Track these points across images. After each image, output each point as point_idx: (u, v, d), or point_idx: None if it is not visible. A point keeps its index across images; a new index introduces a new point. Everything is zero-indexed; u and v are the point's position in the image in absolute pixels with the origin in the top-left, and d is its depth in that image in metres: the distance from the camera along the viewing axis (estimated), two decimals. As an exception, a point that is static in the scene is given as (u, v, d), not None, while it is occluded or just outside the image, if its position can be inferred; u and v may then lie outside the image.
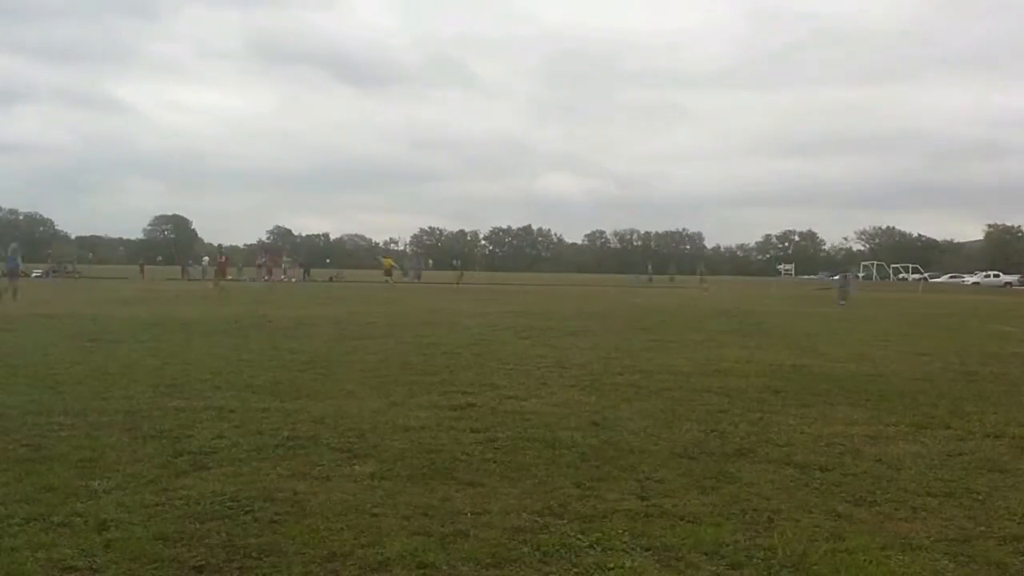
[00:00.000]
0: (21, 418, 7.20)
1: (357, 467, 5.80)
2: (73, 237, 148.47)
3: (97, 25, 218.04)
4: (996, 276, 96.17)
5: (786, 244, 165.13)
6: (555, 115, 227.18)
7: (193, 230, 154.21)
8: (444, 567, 4.04)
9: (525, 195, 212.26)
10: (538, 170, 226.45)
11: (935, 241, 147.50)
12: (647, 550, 4.27)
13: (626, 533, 4.49)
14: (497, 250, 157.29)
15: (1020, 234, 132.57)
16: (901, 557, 4.21)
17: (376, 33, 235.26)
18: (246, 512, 4.75)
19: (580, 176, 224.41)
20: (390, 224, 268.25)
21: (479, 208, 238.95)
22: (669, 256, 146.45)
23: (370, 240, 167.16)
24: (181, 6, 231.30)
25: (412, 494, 5.16)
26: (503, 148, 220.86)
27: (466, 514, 4.78)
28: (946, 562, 4.16)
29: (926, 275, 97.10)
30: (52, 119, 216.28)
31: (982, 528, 4.68)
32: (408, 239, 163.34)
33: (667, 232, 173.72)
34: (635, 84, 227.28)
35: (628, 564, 4.06)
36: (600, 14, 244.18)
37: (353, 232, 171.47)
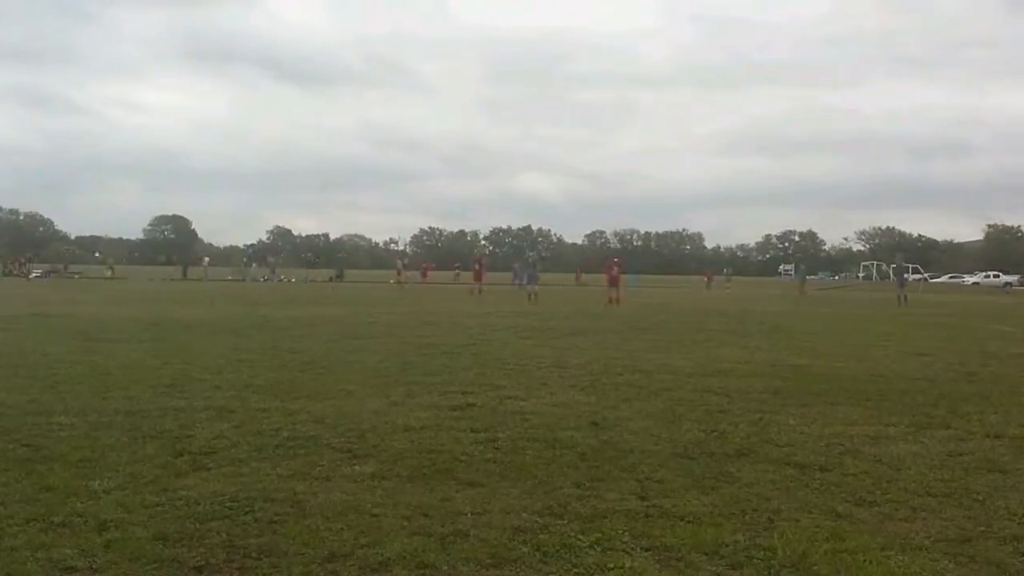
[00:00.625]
0: (21, 418, 7.20)
1: (357, 467, 5.80)
2: (73, 237, 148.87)
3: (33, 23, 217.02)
4: (996, 276, 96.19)
5: (786, 244, 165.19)
6: (508, 115, 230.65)
7: (193, 230, 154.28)
8: (444, 567, 4.04)
9: (502, 195, 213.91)
10: (509, 170, 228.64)
11: (935, 241, 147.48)
12: (647, 550, 4.27)
13: (626, 533, 4.49)
14: (498, 250, 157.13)
15: (1020, 234, 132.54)
16: (901, 557, 4.21)
17: (308, 33, 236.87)
18: (246, 512, 4.75)
19: (555, 175, 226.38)
20: (359, 222, 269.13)
21: (460, 208, 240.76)
22: (671, 257, 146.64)
23: (370, 240, 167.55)
24: (107, 6, 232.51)
25: (412, 494, 5.16)
26: (467, 148, 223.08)
27: (466, 514, 4.78)
28: (946, 562, 4.16)
29: (926, 275, 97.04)
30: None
31: (982, 528, 4.68)
32: (408, 239, 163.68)
33: (667, 232, 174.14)
34: (584, 84, 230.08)
35: (628, 564, 4.06)
36: (536, 16, 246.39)
37: (345, 232, 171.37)
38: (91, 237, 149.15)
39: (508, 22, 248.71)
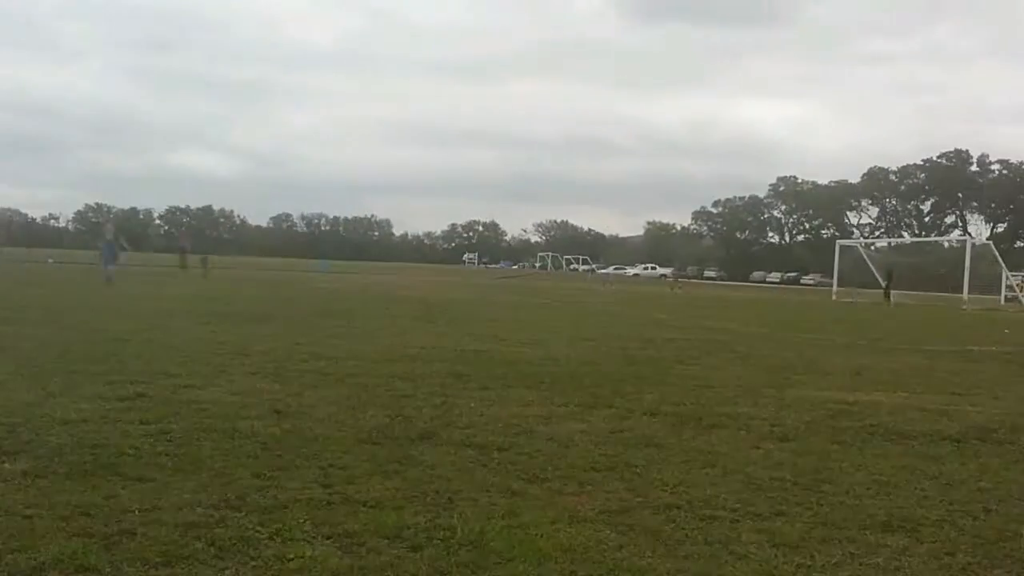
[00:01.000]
0: None
1: (7, 465, 5.21)
2: None
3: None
4: (653, 268, 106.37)
5: (471, 234, 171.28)
6: (165, 87, 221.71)
7: None
8: (107, 569, 3.73)
9: (162, 171, 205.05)
10: (165, 145, 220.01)
11: (603, 235, 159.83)
12: (328, 538, 4.21)
13: (307, 522, 4.40)
14: (173, 231, 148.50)
15: (674, 231, 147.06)
16: (569, 530, 4.47)
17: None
18: None
19: (222, 154, 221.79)
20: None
21: (122, 183, 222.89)
22: (359, 243, 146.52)
23: (26, 215, 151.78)
24: None
25: (71, 493, 4.72)
26: (112, 119, 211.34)
27: (133, 511, 4.44)
28: (608, 532, 4.48)
29: (594, 266, 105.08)
30: None
31: (639, 499, 5.09)
32: (71, 216, 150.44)
33: (356, 218, 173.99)
34: (241, 61, 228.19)
35: (309, 553, 3.98)
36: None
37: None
38: None
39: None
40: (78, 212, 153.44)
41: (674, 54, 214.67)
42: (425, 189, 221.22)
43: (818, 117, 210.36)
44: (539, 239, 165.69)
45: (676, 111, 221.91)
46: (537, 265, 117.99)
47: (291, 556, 3.95)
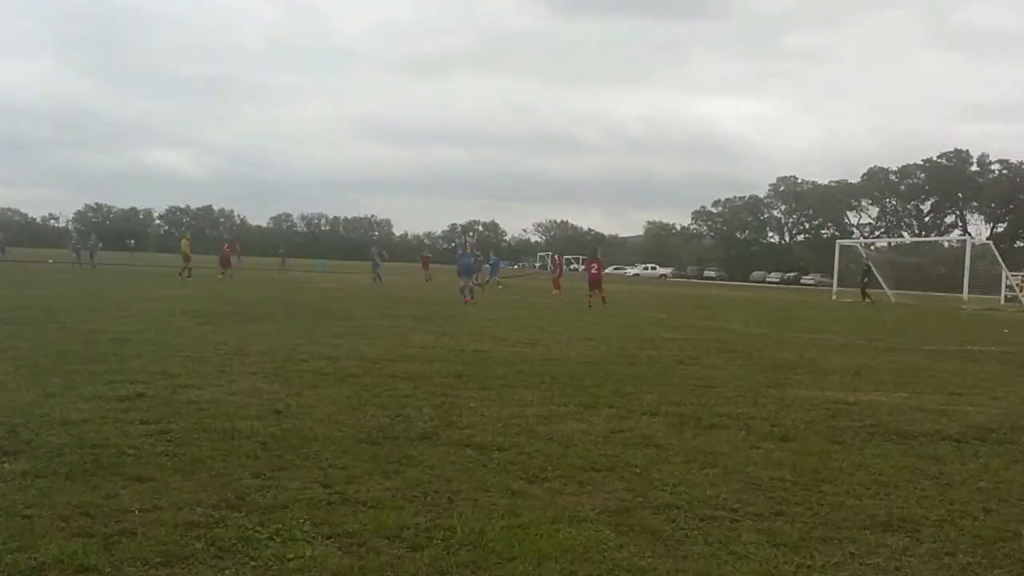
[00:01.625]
0: None
1: (7, 465, 5.22)
2: None
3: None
4: (653, 268, 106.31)
5: (471, 234, 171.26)
6: (107, 81, 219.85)
7: None
8: (108, 569, 3.73)
9: (132, 168, 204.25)
10: (142, 144, 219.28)
11: (603, 235, 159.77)
12: (328, 538, 4.21)
13: (307, 522, 4.40)
14: (174, 230, 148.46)
15: (674, 231, 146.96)
16: (569, 530, 4.47)
17: None
18: None
19: (190, 151, 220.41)
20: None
21: (87, 182, 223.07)
22: (360, 242, 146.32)
23: (26, 215, 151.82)
24: None
25: (72, 493, 4.72)
26: (63, 114, 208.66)
27: (134, 511, 4.45)
28: (608, 532, 4.48)
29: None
30: None
31: (640, 499, 5.09)
32: (71, 215, 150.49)
33: (356, 218, 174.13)
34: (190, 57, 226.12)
35: (309, 553, 3.98)
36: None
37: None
38: None
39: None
40: (78, 212, 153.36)
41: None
42: (399, 188, 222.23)
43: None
44: (539, 239, 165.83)
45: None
46: (537, 265, 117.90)
47: (291, 556, 3.95)
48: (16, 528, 4.14)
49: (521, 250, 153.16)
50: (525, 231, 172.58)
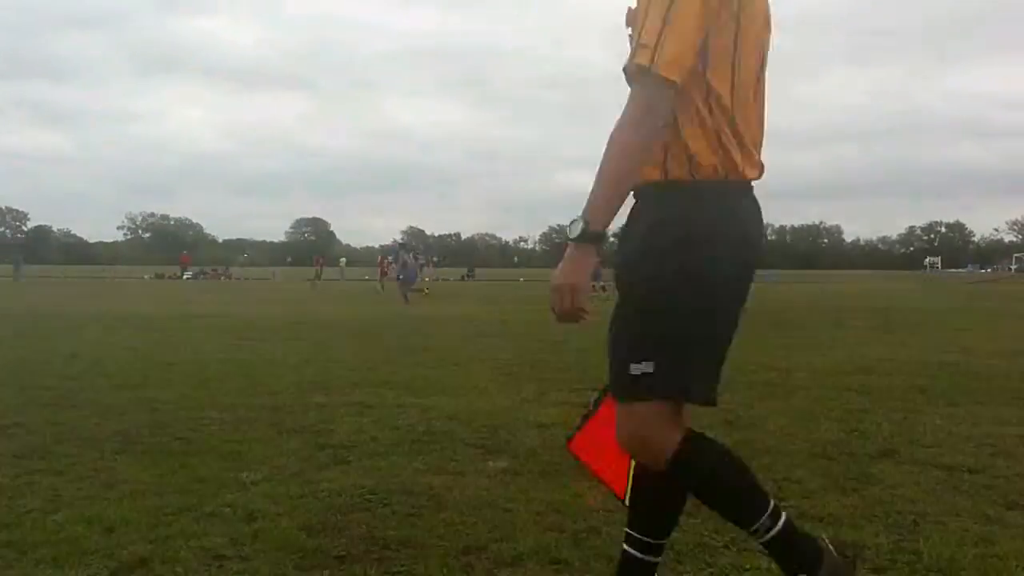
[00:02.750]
0: (174, 413, 7.61)
1: (491, 463, 5.87)
2: (220, 240, 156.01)
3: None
4: None
5: (932, 236, 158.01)
6: None
7: (331, 232, 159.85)
8: (577, 563, 4.05)
9: None
10: None
11: None
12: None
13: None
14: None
15: None
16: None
17: None
18: (384, 505, 4.88)
19: None
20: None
21: None
22: (807, 252, 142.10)
23: (500, 239, 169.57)
24: None
25: (544, 490, 5.19)
26: None
27: (597, 511, 4.76)
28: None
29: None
30: None
31: None
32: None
33: (803, 226, 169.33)
34: None
35: (765, 566, 3.97)
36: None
37: (484, 231, 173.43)
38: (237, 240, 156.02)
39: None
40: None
41: None
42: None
43: None
44: (1014, 238, 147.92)
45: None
46: (1013, 267, 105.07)
47: (747, 566, 3.97)
48: (499, 520, 4.64)
49: (992, 252, 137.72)
50: (996, 230, 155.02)
